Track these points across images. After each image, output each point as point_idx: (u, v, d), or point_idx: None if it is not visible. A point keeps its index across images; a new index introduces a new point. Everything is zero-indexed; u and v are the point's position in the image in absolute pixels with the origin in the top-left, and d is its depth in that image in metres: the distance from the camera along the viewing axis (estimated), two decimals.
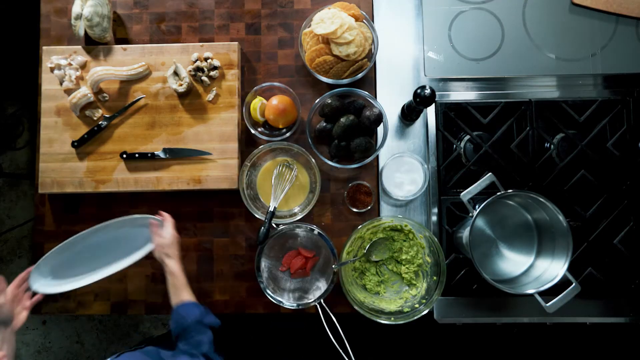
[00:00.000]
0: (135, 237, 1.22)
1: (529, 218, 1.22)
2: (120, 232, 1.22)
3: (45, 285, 1.16)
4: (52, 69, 1.32)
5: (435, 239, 1.18)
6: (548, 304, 1.09)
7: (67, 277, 1.19)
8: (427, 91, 1.10)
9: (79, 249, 1.20)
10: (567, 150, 1.29)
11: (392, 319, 1.16)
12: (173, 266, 1.12)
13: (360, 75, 1.27)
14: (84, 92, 1.28)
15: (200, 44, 1.32)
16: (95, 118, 1.31)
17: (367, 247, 1.23)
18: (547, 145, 1.31)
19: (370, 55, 1.29)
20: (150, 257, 1.19)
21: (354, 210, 1.29)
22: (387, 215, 1.30)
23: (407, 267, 1.25)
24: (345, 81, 1.27)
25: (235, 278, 1.31)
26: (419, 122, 1.33)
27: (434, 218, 1.28)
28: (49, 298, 1.30)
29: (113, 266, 1.21)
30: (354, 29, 1.22)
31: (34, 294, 1.15)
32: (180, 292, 1.09)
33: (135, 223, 1.21)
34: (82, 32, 1.33)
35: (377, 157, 1.32)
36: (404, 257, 1.25)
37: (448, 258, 1.24)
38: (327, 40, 1.25)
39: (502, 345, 2.02)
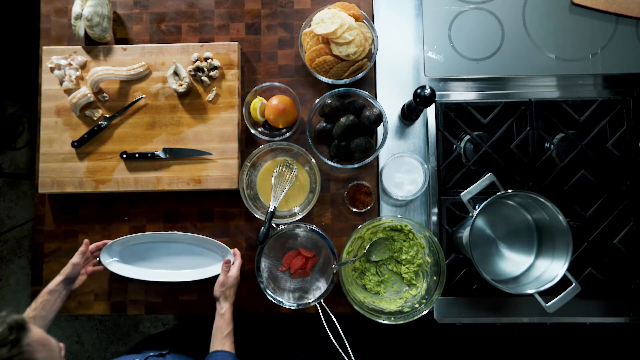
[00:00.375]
0: (200, 255, 1.30)
1: (529, 218, 1.22)
2: (190, 247, 1.30)
3: (111, 262, 1.26)
4: (52, 69, 1.32)
5: (435, 239, 1.18)
6: (548, 304, 1.09)
7: (129, 263, 1.29)
8: (427, 91, 1.10)
9: (148, 246, 1.29)
10: (567, 150, 1.29)
11: (392, 319, 1.16)
12: (226, 310, 1.16)
13: (360, 75, 1.27)
14: (84, 92, 1.28)
15: (200, 44, 1.32)
16: (95, 118, 1.31)
17: (367, 247, 1.23)
18: (547, 145, 1.31)
19: (370, 55, 1.29)
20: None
21: (354, 210, 1.29)
22: (387, 215, 1.30)
23: (407, 267, 1.25)
24: (345, 81, 1.27)
25: None
26: (419, 122, 1.33)
27: (434, 218, 1.28)
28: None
29: (169, 273, 1.29)
30: (354, 29, 1.22)
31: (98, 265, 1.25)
32: (225, 340, 1.12)
33: (209, 245, 1.28)
34: (82, 32, 1.33)
35: (377, 157, 1.32)
36: (404, 257, 1.25)
37: (448, 258, 1.24)
38: (327, 40, 1.25)
39: (502, 345, 2.02)
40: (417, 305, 1.18)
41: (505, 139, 1.30)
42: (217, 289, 1.18)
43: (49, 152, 1.30)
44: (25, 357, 0.75)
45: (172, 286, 1.30)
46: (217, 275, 1.25)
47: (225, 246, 1.26)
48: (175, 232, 1.29)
